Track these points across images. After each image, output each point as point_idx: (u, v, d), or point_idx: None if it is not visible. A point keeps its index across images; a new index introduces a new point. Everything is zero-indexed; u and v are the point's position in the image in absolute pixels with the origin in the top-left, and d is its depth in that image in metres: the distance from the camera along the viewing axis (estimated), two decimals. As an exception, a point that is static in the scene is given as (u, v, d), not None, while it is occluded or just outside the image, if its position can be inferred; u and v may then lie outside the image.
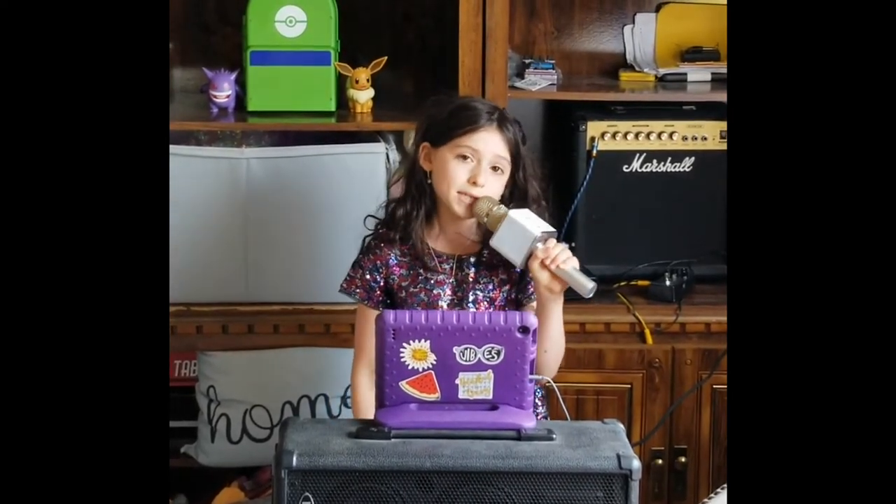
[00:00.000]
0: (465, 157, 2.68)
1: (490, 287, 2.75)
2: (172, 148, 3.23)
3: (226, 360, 3.34)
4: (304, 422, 2.29)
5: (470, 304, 2.74)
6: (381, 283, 2.78)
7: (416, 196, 2.76)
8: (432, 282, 2.75)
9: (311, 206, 3.31)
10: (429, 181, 2.74)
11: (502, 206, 2.66)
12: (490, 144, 2.68)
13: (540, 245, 2.59)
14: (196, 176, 3.30)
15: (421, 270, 2.75)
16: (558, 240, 2.64)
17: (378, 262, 2.78)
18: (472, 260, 2.75)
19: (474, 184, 2.67)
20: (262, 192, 3.31)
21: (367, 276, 2.78)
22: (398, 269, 2.77)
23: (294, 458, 2.14)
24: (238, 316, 3.33)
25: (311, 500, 2.14)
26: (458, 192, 2.68)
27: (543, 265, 2.58)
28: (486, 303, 2.74)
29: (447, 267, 2.75)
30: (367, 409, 2.75)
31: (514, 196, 2.74)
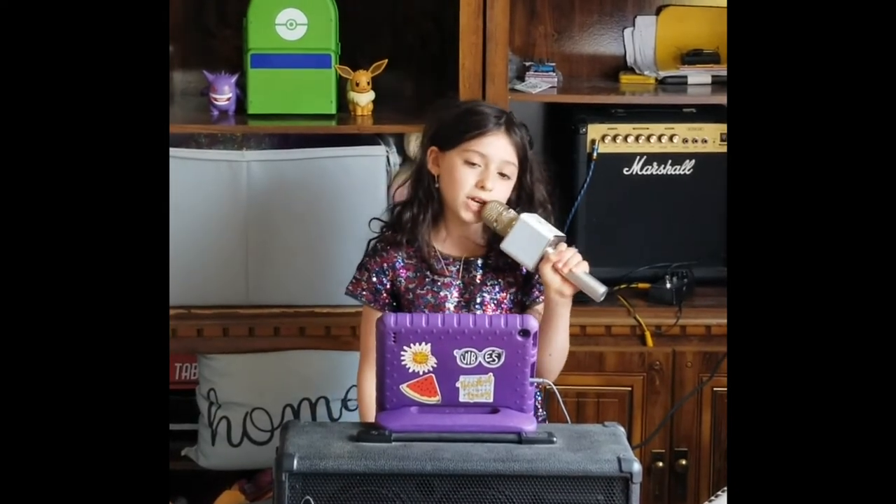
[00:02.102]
0: (473, 163, 2.68)
1: (497, 289, 2.75)
2: (172, 151, 3.23)
3: (226, 362, 3.34)
4: (304, 425, 2.29)
5: (477, 306, 2.74)
6: (388, 286, 2.78)
7: (422, 200, 2.76)
8: (439, 283, 2.75)
9: (311, 209, 3.31)
10: (436, 185, 2.74)
11: (512, 210, 2.66)
12: (498, 149, 2.68)
13: (551, 249, 2.59)
14: (196, 179, 3.29)
15: (428, 272, 2.75)
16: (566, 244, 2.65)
17: (385, 264, 2.77)
18: (480, 262, 2.76)
19: (482, 188, 2.67)
20: (262, 194, 3.31)
21: (374, 279, 2.78)
22: (405, 271, 2.77)
23: (295, 462, 2.15)
24: (238, 319, 3.33)
25: (312, 503, 2.14)
26: (467, 198, 2.68)
27: (555, 269, 2.58)
28: (493, 305, 2.75)
29: (454, 269, 2.76)
30: (373, 410, 2.75)
31: (521, 200, 2.74)
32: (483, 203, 2.67)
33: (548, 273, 2.60)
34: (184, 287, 3.26)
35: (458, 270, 2.76)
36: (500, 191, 2.69)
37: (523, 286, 2.76)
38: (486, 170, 2.68)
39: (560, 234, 2.64)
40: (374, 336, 2.73)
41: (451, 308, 2.74)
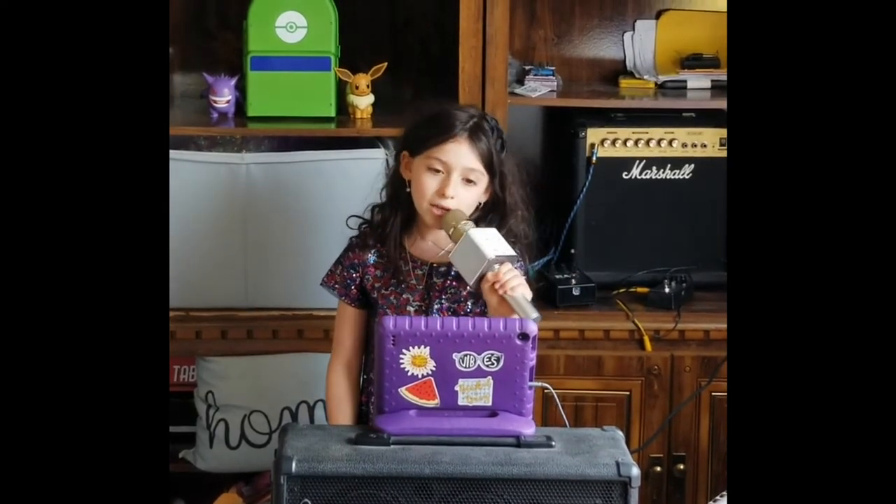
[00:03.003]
0: (436, 169, 2.68)
1: (456, 298, 2.75)
2: (172, 153, 3.23)
3: (225, 365, 3.34)
4: (303, 428, 2.29)
5: (434, 313, 2.74)
6: (358, 282, 2.80)
7: (394, 203, 2.78)
8: (403, 286, 2.76)
9: (310, 212, 3.31)
10: (407, 189, 2.74)
11: (469, 223, 2.62)
12: (460, 157, 2.67)
13: (495, 267, 2.56)
14: (196, 181, 3.29)
15: (394, 274, 2.77)
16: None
17: (356, 260, 2.80)
18: (443, 269, 2.76)
19: (443, 195, 2.67)
20: (261, 197, 3.31)
21: (345, 274, 2.81)
22: (374, 269, 2.79)
23: (293, 464, 2.14)
24: (237, 321, 3.33)
25: (310, 506, 2.15)
26: (430, 204, 2.68)
27: (493, 289, 2.55)
28: (449, 313, 2.74)
29: (419, 273, 2.76)
30: (336, 407, 2.81)
31: (495, 204, 2.73)
32: (445, 210, 2.67)
33: (486, 291, 2.55)
34: (182, 289, 3.26)
35: (423, 275, 2.76)
36: (465, 197, 2.68)
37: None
38: (448, 177, 2.67)
39: (509, 253, 2.57)
40: (346, 331, 2.83)
41: (412, 312, 2.74)
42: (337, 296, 2.84)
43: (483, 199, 2.74)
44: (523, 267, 2.67)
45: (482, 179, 2.71)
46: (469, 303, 2.75)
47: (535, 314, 2.48)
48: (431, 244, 2.77)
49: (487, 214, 2.72)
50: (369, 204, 2.86)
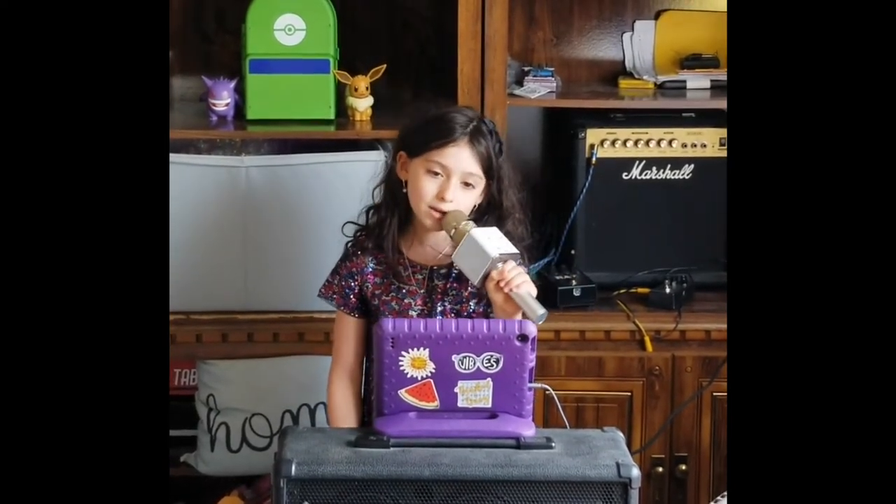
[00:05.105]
0: (435, 172, 2.68)
1: (458, 300, 2.74)
2: (171, 156, 3.22)
3: (225, 368, 3.34)
4: (303, 430, 2.29)
5: (438, 315, 2.73)
6: (357, 290, 2.79)
7: (390, 204, 2.76)
8: (404, 291, 2.75)
9: (310, 214, 3.31)
10: (404, 190, 2.74)
11: (469, 223, 2.62)
12: (460, 161, 2.67)
13: (499, 266, 2.56)
14: (195, 184, 3.29)
15: (394, 279, 2.75)
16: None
17: (354, 269, 2.79)
18: (443, 272, 2.75)
19: (442, 199, 2.66)
20: (261, 200, 3.31)
21: (343, 283, 2.79)
22: (372, 276, 2.77)
23: (293, 467, 2.14)
24: (237, 324, 3.33)
25: (310, 509, 2.15)
26: (428, 207, 2.67)
27: (498, 287, 2.55)
28: (452, 315, 2.73)
29: (420, 277, 2.75)
30: (341, 416, 2.78)
31: (491, 207, 2.73)
32: (444, 213, 2.66)
33: (491, 290, 2.55)
34: (183, 292, 3.26)
35: (423, 279, 2.75)
36: (463, 200, 2.68)
37: (487, 296, 2.74)
38: (448, 181, 2.66)
39: (512, 251, 2.58)
40: (346, 341, 2.80)
41: (414, 316, 2.73)
42: (335, 306, 2.82)
43: (478, 201, 2.73)
44: (525, 266, 2.67)
45: (480, 183, 2.70)
46: (472, 303, 2.74)
47: (541, 310, 2.48)
48: (429, 248, 2.76)
49: (483, 217, 2.71)
50: (364, 206, 2.86)
